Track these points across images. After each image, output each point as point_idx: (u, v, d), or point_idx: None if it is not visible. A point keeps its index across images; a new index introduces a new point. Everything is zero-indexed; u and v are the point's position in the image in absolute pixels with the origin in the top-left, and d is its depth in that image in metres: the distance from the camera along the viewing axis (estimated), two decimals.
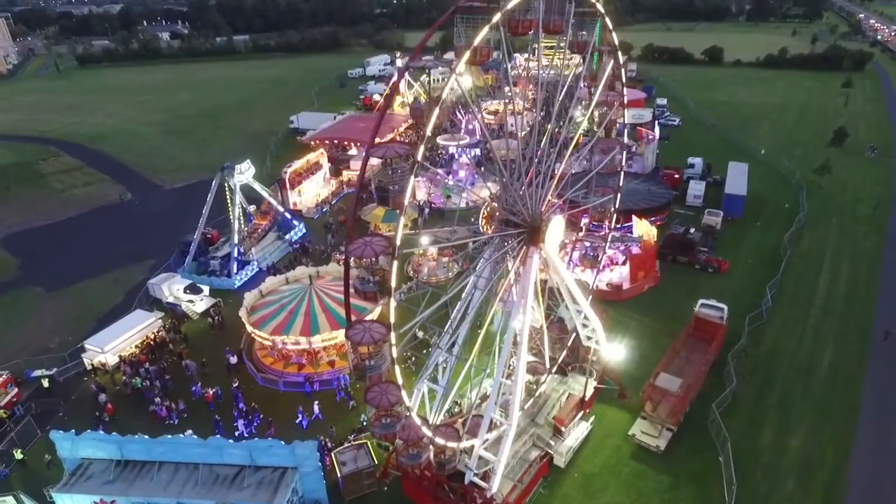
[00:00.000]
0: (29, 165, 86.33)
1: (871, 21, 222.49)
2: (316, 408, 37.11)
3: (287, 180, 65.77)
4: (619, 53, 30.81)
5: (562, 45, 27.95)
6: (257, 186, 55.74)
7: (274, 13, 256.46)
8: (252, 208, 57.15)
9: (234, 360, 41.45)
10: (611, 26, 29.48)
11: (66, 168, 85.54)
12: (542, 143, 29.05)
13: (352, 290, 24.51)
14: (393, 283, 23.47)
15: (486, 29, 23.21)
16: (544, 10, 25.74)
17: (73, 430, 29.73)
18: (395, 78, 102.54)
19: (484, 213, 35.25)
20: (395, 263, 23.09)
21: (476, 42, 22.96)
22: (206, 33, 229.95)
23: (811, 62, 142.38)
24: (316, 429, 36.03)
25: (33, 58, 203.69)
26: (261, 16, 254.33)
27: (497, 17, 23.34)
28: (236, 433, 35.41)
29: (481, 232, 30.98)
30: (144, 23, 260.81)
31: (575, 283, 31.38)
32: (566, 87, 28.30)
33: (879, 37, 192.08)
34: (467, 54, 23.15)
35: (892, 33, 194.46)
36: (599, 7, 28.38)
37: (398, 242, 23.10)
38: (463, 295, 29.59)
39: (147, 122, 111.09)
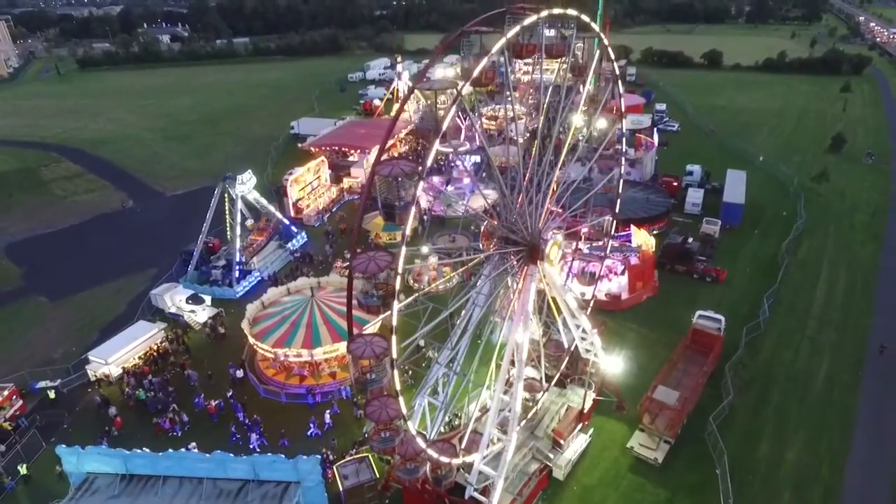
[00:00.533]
0: (31, 172, 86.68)
1: (872, 24, 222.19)
2: (327, 417, 37.64)
3: (289, 188, 66.25)
4: (619, 82, 31.42)
5: (563, 68, 28.45)
6: (253, 197, 55.85)
7: (274, 15, 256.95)
8: (249, 223, 56.96)
9: (239, 374, 41.77)
10: (612, 56, 30.03)
11: (68, 174, 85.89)
12: (544, 161, 29.54)
13: (354, 302, 24.93)
14: (396, 305, 23.97)
15: (493, 49, 24.06)
16: (546, 36, 26.35)
17: (78, 445, 30.17)
18: (393, 83, 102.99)
19: (483, 231, 35.76)
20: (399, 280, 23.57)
21: (479, 69, 23.54)
22: (207, 35, 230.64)
23: (810, 66, 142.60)
24: (319, 441, 36.50)
25: (34, 61, 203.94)
26: (260, 18, 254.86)
27: (501, 42, 24.03)
28: (249, 445, 35.81)
29: (481, 248, 31.40)
30: (145, 25, 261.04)
31: (573, 298, 31.76)
32: (564, 109, 28.75)
33: (878, 39, 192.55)
34: (479, 67, 23.73)
35: (891, 36, 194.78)
36: (600, 35, 28.87)
37: (402, 260, 23.54)
38: (462, 312, 30.01)
39: (148, 127, 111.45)
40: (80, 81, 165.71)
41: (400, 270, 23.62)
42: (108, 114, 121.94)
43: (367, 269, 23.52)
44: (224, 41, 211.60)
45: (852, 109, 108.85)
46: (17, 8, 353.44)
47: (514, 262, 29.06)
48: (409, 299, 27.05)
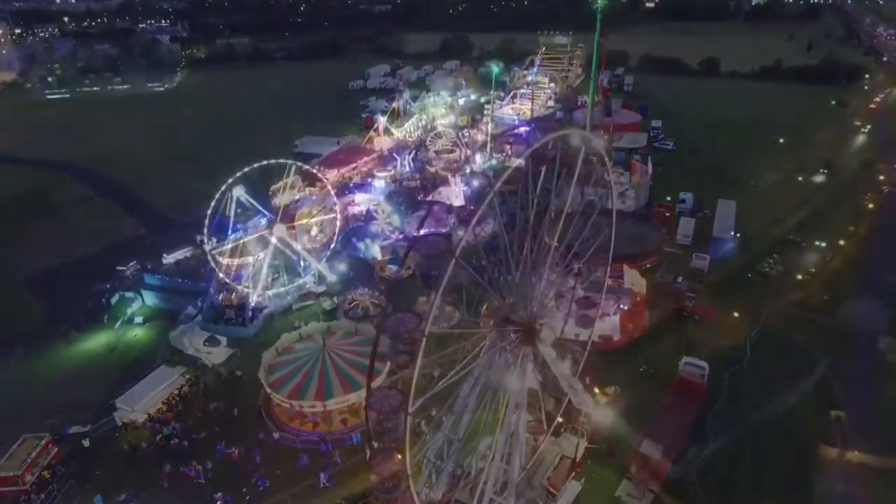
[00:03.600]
0: (43, 195, 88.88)
1: (879, 29, 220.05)
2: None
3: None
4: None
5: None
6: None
7: (274, 12, 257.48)
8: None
9: (276, 435, 43.66)
10: (609, 169, 33.35)
11: (79, 198, 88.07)
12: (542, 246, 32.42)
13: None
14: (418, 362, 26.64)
15: (521, 158, 28.47)
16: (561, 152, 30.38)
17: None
18: (395, 100, 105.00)
19: (484, 311, 38.56)
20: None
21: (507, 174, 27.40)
22: (206, 34, 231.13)
23: (805, 74, 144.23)
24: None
25: (35, 66, 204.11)
26: (260, 15, 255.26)
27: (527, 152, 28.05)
28: (321, 484, 39.29)
29: (481, 326, 34.29)
30: (144, 24, 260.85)
31: (569, 372, 34.67)
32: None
33: (875, 41, 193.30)
34: (507, 173, 27.87)
35: (889, 38, 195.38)
36: (607, 161, 32.12)
37: (429, 323, 26.22)
38: (464, 383, 32.87)
39: (152, 143, 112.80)
40: (82, 88, 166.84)
41: (426, 333, 26.34)
42: (112, 127, 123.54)
43: (397, 332, 26.34)
44: (223, 41, 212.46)
45: (843, 125, 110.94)
46: (15, 1, 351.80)
47: (512, 341, 31.96)
48: (423, 361, 29.76)
